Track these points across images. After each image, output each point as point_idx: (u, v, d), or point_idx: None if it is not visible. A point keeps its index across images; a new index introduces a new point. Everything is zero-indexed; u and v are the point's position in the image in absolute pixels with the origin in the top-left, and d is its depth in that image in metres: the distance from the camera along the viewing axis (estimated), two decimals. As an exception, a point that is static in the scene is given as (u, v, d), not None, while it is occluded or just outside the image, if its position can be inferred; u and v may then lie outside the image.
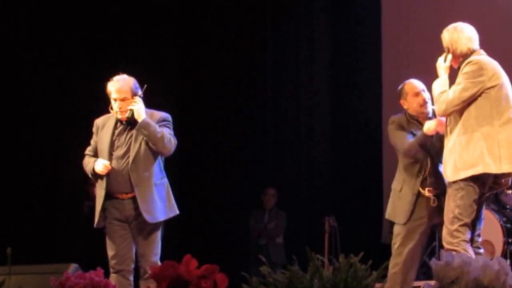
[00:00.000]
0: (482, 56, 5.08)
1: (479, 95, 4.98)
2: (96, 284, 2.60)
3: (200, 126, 9.65)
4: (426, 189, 5.57)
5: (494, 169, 4.92)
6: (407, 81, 5.73)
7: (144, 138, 5.49)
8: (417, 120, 5.66)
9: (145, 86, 5.58)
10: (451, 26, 5.20)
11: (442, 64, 5.19)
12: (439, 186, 5.53)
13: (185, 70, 9.84)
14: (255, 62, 9.83)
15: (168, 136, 5.51)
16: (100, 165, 5.49)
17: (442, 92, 5.07)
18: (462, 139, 4.98)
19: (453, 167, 4.99)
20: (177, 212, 5.61)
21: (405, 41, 9.42)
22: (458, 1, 8.94)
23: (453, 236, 4.96)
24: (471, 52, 5.10)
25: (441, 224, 5.53)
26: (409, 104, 5.68)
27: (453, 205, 4.98)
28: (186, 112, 9.61)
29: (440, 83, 5.15)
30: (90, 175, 5.63)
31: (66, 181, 8.62)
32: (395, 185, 5.77)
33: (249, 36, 9.79)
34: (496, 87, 4.98)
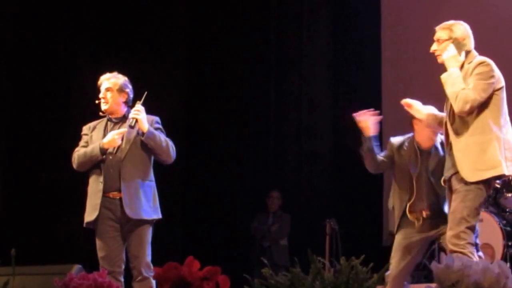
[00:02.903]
0: (483, 57, 5.11)
1: (490, 97, 4.99)
2: (99, 285, 2.61)
3: (205, 128, 9.68)
4: (424, 212, 5.62)
5: (506, 170, 4.92)
6: None
7: (138, 138, 5.55)
8: (418, 147, 5.70)
9: (146, 93, 5.62)
10: (458, 22, 5.18)
11: (458, 57, 5.07)
12: (433, 206, 5.58)
13: (190, 74, 9.86)
14: (258, 68, 9.86)
15: (171, 144, 5.58)
16: (111, 135, 5.50)
17: (462, 89, 4.98)
18: (478, 140, 4.94)
19: (473, 167, 4.93)
20: (160, 216, 5.64)
21: (405, 45, 9.44)
22: (457, 8, 8.96)
23: (459, 238, 4.91)
24: (469, 51, 5.13)
25: (438, 236, 5.60)
26: (419, 130, 5.71)
27: (461, 206, 4.92)
28: (191, 116, 9.65)
29: (458, 79, 5.01)
30: (91, 158, 5.58)
31: (69, 182, 8.63)
32: (389, 203, 5.86)
33: (252, 41, 9.83)
34: (501, 89, 5.03)
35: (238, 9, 9.83)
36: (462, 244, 4.89)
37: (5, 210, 8.82)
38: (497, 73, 5.03)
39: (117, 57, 8.89)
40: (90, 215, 5.58)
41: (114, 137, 5.53)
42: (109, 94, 5.64)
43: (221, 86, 9.78)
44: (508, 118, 5.05)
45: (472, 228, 4.95)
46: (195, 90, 9.86)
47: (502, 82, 5.04)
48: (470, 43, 5.15)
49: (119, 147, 5.56)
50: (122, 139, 5.57)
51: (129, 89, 5.71)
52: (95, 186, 5.58)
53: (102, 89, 5.66)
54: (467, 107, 4.92)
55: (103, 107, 5.67)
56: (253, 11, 9.85)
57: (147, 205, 5.54)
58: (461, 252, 4.77)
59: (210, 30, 9.88)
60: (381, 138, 9.57)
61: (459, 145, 5.01)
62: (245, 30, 9.80)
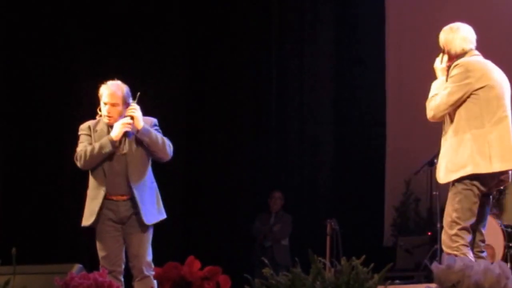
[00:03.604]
0: (472, 58, 5.09)
1: (468, 97, 4.99)
2: (100, 285, 2.61)
3: (206, 129, 9.68)
4: None
5: (484, 169, 4.91)
6: None
7: (140, 143, 5.55)
8: None
9: (138, 94, 5.59)
10: (448, 26, 5.21)
11: (439, 66, 5.19)
12: None
13: (190, 75, 9.85)
14: (259, 68, 9.85)
15: (167, 142, 5.58)
16: (117, 127, 5.46)
17: (433, 96, 5.09)
18: (453, 142, 4.99)
19: (445, 169, 5.01)
20: (165, 215, 5.68)
21: (409, 42, 9.43)
22: (462, 1, 8.96)
23: (452, 241, 4.94)
24: (465, 52, 5.12)
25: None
26: None
27: (451, 209, 4.98)
28: (192, 116, 9.64)
29: (437, 85, 5.14)
30: (100, 153, 5.53)
31: (70, 182, 8.65)
32: None
33: (254, 43, 9.82)
34: (484, 88, 4.98)
35: (238, 7, 9.81)
36: (456, 246, 4.91)
37: (5, 209, 8.82)
38: (477, 73, 5.01)
39: (115, 57, 8.89)
40: (87, 219, 5.59)
41: (121, 127, 5.49)
42: (115, 110, 5.56)
43: (221, 85, 9.77)
44: (503, 115, 5.03)
45: (466, 229, 4.96)
46: (195, 90, 9.85)
47: (486, 81, 5.01)
48: (458, 46, 5.14)
49: (123, 153, 5.53)
50: (124, 139, 5.54)
51: (131, 97, 5.68)
52: (96, 192, 5.57)
53: (106, 103, 5.55)
54: (431, 114, 5.05)
55: (107, 120, 5.59)
56: (253, 9, 9.83)
57: (153, 208, 5.58)
58: (454, 254, 4.78)
59: (209, 30, 9.86)
60: (384, 133, 9.60)
61: (443, 148, 5.08)
62: (246, 30, 9.79)
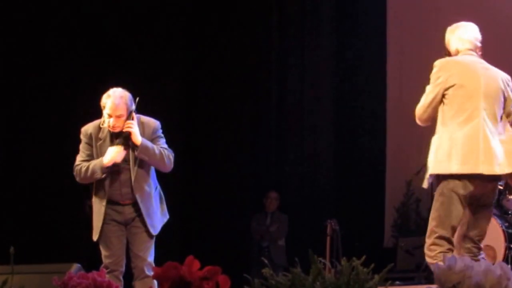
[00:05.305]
0: (457, 57, 5.04)
1: (443, 96, 4.95)
2: (98, 284, 2.60)
3: (203, 129, 9.67)
4: None
5: (443, 169, 4.94)
6: None
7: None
8: None
9: (137, 98, 5.57)
10: (451, 26, 5.17)
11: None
12: None
13: (188, 73, 9.84)
14: (259, 67, 9.84)
15: (167, 154, 5.55)
16: (112, 153, 5.43)
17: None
18: (432, 141, 5.01)
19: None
20: (168, 216, 5.71)
21: (410, 40, 9.43)
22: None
23: (430, 250, 5.05)
24: (458, 52, 5.08)
25: None
26: None
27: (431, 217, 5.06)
28: (189, 116, 9.63)
29: None
30: (92, 176, 5.54)
31: (68, 180, 8.64)
32: None
33: (253, 40, 9.80)
34: (454, 87, 4.90)
35: (238, 2, 9.79)
36: (434, 255, 5.03)
37: (3, 208, 8.82)
38: (448, 72, 4.94)
39: (113, 60, 8.88)
40: (95, 236, 5.65)
41: (114, 154, 5.47)
42: (120, 121, 5.52)
43: (219, 85, 9.75)
44: (474, 114, 4.92)
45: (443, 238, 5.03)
46: (193, 90, 9.84)
47: (456, 80, 4.90)
48: (453, 46, 5.09)
49: (127, 163, 5.52)
50: (129, 149, 5.51)
51: (134, 104, 5.63)
52: (98, 206, 5.61)
53: (111, 115, 5.50)
54: (416, 115, 5.03)
55: (113, 130, 5.55)
56: (253, 6, 9.81)
57: (158, 216, 5.63)
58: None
59: (209, 29, 9.85)
60: (385, 132, 9.59)
61: None
62: (245, 28, 9.77)
